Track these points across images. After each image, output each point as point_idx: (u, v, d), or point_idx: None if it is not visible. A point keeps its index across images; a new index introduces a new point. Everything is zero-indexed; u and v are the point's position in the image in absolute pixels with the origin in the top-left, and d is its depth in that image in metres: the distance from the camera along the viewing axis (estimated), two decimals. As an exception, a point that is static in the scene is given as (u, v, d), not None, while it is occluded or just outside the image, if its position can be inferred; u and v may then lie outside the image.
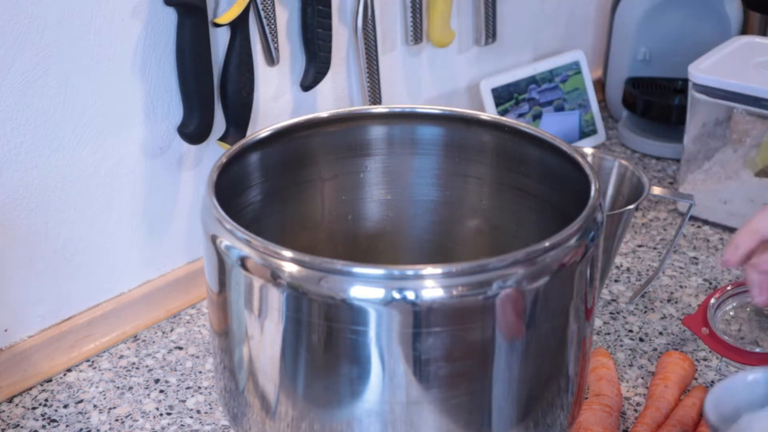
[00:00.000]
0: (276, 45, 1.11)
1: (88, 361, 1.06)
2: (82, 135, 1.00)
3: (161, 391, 1.01)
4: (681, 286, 1.18)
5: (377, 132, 0.94)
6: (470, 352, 0.72)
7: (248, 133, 1.10)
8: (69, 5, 0.94)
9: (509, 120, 0.91)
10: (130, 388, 1.02)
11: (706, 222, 1.32)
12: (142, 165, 1.06)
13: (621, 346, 1.08)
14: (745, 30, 1.55)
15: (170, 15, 1.02)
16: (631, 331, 1.10)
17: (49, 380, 1.03)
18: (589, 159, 1.14)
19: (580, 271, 0.75)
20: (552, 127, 1.47)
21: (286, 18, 1.14)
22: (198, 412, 0.99)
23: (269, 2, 1.08)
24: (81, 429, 0.96)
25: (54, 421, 0.97)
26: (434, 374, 0.72)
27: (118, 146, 1.03)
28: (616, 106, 1.59)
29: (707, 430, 0.91)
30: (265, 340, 0.75)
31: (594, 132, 1.52)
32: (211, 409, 0.99)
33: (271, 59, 1.12)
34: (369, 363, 0.72)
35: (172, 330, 1.11)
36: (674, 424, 0.92)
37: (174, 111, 1.06)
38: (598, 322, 1.11)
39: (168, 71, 1.04)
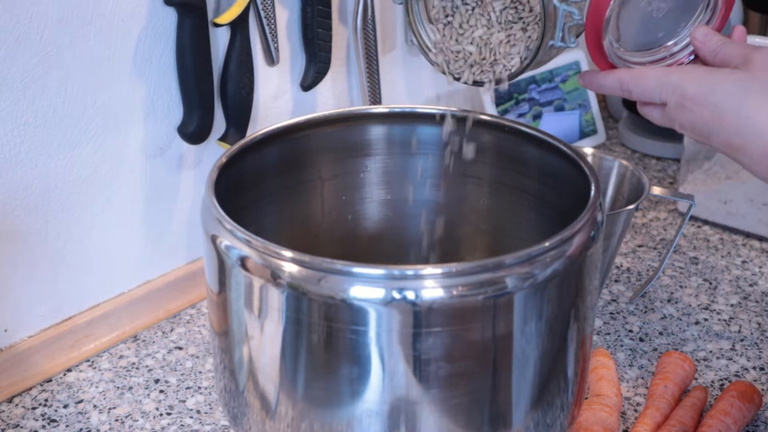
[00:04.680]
0: (276, 45, 1.11)
1: (88, 361, 1.06)
2: (82, 135, 0.99)
3: (161, 391, 1.01)
4: (681, 286, 1.18)
5: (377, 132, 0.94)
6: (470, 352, 0.72)
7: (248, 133, 1.10)
8: (69, 5, 0.94)
9: (509, 120, 0.91)
10: (130, 388, 1.02)
11: (706, 222, 1.32)
12: (142, 165, 1.06)
13: (621, 346, 1.08)
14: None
15: (170, 15, 1.02)
16: (631, 331, 1.10)
17: (49, 380, 1.03)
18: (589, 159, 1.14)
19: (580, 271, 0.75)
20: (552, 127, 1.47)
21: (286, 18, 1.14)
22: (198, 412, 0.99)
23: (269, 2, 1.08)
24: (81, 429, 0.96)
25: (54, 421, 0.97)
26: (434, 374, 0.72)
27: (118, 146, 1.03)
28: (616, 106, 1.59)
29: (707, 429, 0.91)
30: (265, 340, 0.74)
31: (594, 132, 1.52)
32: (211, 409, 0.99)
33: (271, 59, 1.12)
34: (369, 363, 0.72)
35: (172, 330, 1.11)
36: (674, 424, 0.92)
37: (174, 111, 1.06)
38: (598, 322, 1.11)
39: (168, 71, 1.04)
